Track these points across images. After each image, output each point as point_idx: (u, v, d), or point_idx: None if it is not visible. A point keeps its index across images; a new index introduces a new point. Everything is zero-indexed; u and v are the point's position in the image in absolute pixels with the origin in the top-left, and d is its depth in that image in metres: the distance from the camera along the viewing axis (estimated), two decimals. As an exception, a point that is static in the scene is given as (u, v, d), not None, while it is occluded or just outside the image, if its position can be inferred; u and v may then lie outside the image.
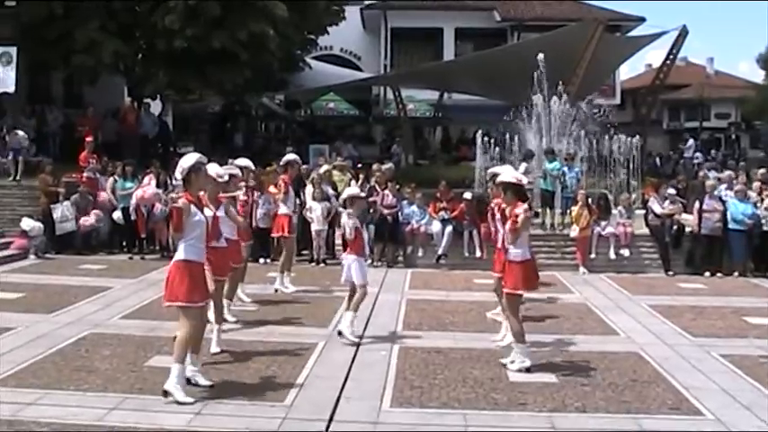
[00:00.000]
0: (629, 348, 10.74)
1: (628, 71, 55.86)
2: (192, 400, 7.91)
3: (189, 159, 8.24)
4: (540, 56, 22.41)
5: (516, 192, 9.61)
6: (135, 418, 7.56)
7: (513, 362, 9.45)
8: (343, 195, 11.55)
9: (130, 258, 18.19)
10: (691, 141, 38.64)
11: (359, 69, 41.01)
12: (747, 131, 58.93)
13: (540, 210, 18.92)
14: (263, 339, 10.85)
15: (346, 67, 39.68)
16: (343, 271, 10.91)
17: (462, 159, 31.38)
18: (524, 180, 10.03)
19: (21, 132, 20.82)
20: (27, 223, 18.18)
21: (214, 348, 9.78)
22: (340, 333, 10.66)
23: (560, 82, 22.20)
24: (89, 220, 18.71)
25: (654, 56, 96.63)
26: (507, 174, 10.00)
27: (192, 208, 8.10)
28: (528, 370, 9.28)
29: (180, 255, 8.14)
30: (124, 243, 19.02)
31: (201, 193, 8.61)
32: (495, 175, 10.46)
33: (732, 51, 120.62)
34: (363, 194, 12.29)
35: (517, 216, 9.28)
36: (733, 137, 57.70)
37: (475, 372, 9.41)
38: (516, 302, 9.60)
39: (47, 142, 25.32)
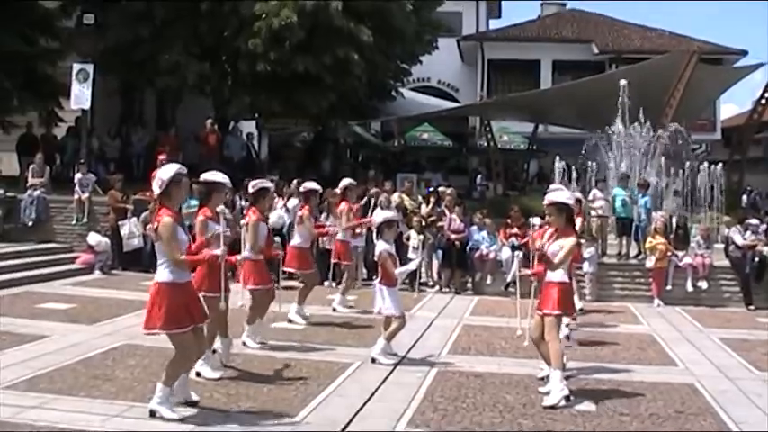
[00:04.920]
0: (685, 380, 10.01)
1: (738, 109, 54.35)
2: (179, 417, 7.54)
3: (168, 171, 7.64)
4: (623, 82, 21.83)
5: (569, 215, 9.06)
6: (133, 427, 7.32)
7: (548, 392, 8.78)
8: (377, 219, 11.09)
9: (195, 275, 18.00)
10: (790, 177, 37.36)
11: (456, 101, 40.71)
12: None
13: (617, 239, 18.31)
14: (297, 357, 10.50)
15: (444, 99, 39.46)
16: (375, 301, 10.53)
17: (554, 191, 30.69)
18: (571, 201, 9.41)
19: (91, 175, 20.90)
20: (94, 238, 18.29)
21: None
22: (373, 360, 10.24)
23: (642, 110, 21.60)
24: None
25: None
26: (561, 194, 9.44)
27: (178, 227, 7.58)
28: (567, 398, 8.64)
29: (163, 276, 7.59)
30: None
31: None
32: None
33: None
34: (397, 218, 11.82)
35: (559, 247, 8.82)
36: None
37: (509, 397, 8.88)
38: (556, 324, 9.00)
39: (130, 163, 25.67)
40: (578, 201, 12.23)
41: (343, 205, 14.90)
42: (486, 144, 34.77)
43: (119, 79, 26.68)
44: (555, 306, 8.82)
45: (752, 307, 16.49)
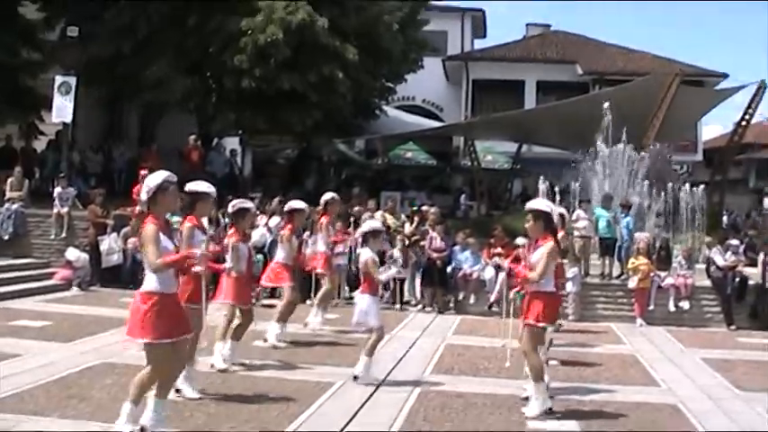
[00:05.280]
0: (667, 400, 9.95)
1: (721, 130, 54.77)
2: None
3: (156, 178, 7.40)
4: (606, 105, 21.99)
5: (547, 222, 9.01)
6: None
7: (530, 407, 8.75)
8: (363, 228, 11.00)
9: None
10: (770, 198, 37.62)
11: (440, 120, 40.78)
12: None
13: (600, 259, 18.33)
14: (278, 377, 10.37)
15: (428, 118, 39.54)
16: (355, 312, 10.37)
17: (537, 211, 30.68)
18: (554, 211, 9.38)
19: (71, 189, 20.73)
20: (72, 253, 18.05)
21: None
22: (356, 378, 10.09)
23: (625, 131, 21.74)
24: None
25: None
26: (540, 202, 9.48)
27: (161, 234, 7.28)
28: (550, 410, 8.61)
29: (150, 285, 7.31)
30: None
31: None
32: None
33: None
34: (383, 228, 11.79)
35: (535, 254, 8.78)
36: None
37: (492, 418, 8.77)
38: (537, 337, 8.94)
39: (112, 177, 25.53)
40: (561, 216, 12.17)
41: (324, 219, 14.79)
42: (469, 163, 34.78)
43: (102, 92, 26.51)
44: (538, 318, 8.75)
45: (733, 327, 16.58)
